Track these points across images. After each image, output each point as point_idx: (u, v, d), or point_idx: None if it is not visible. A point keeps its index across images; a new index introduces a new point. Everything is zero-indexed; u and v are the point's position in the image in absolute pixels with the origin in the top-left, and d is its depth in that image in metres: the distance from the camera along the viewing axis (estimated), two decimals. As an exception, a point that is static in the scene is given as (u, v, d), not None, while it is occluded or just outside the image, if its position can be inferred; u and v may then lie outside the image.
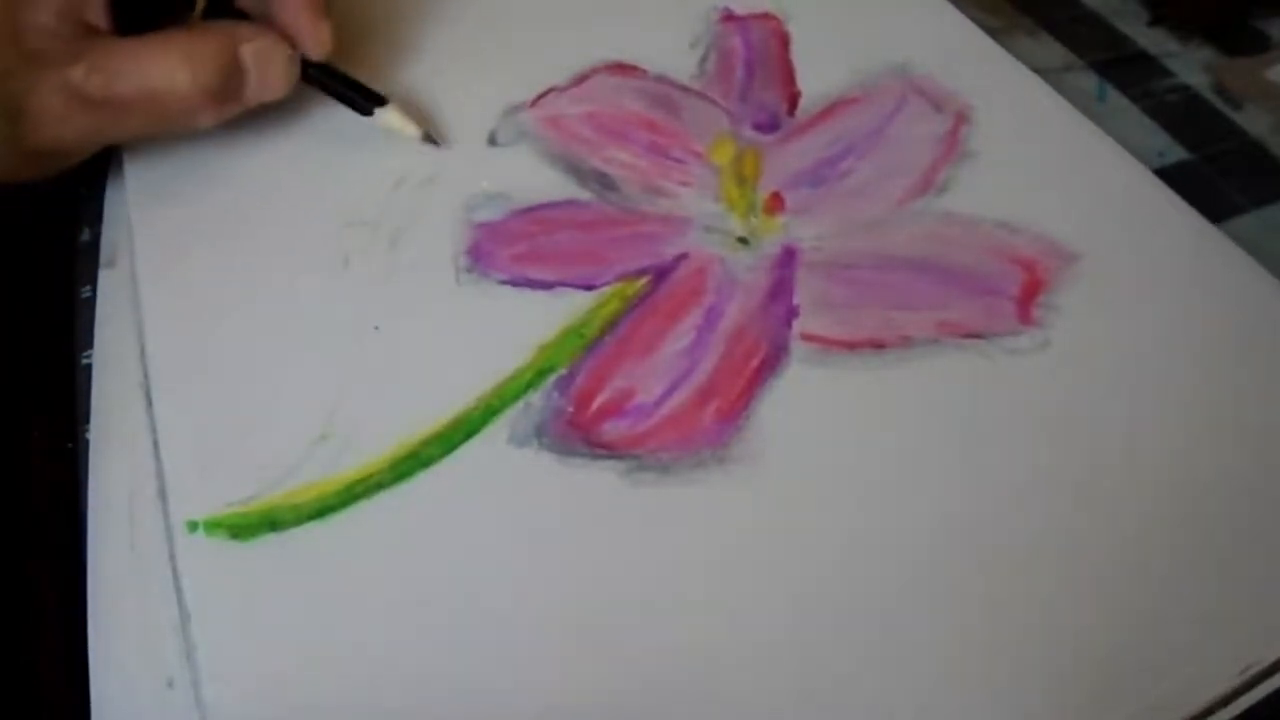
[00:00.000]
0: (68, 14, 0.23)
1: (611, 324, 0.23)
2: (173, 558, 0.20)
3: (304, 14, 0.25)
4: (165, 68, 0.23)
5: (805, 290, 0.24)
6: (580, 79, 0.29)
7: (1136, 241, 0.25)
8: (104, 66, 0.23)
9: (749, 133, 0.28)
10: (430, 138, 0.27)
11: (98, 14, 0.24)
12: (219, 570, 0.20)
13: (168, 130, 0.25)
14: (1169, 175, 0.27)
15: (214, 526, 0.20)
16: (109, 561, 0.20)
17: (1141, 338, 0.23)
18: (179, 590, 0.20)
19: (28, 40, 0.22)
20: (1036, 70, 0.30)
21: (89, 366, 0.24)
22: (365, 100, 0.27)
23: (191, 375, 0.23)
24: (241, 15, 0.26)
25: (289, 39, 0.25)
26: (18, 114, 0.22)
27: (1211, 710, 0.19)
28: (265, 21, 0.26)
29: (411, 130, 0.26)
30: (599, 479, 0.21)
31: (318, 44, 0.26)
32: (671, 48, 0.30)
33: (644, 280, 0.24)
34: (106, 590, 0.20)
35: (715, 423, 0.22)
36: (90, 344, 0.24)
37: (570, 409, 0.22)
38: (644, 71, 0.29)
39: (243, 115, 0.26)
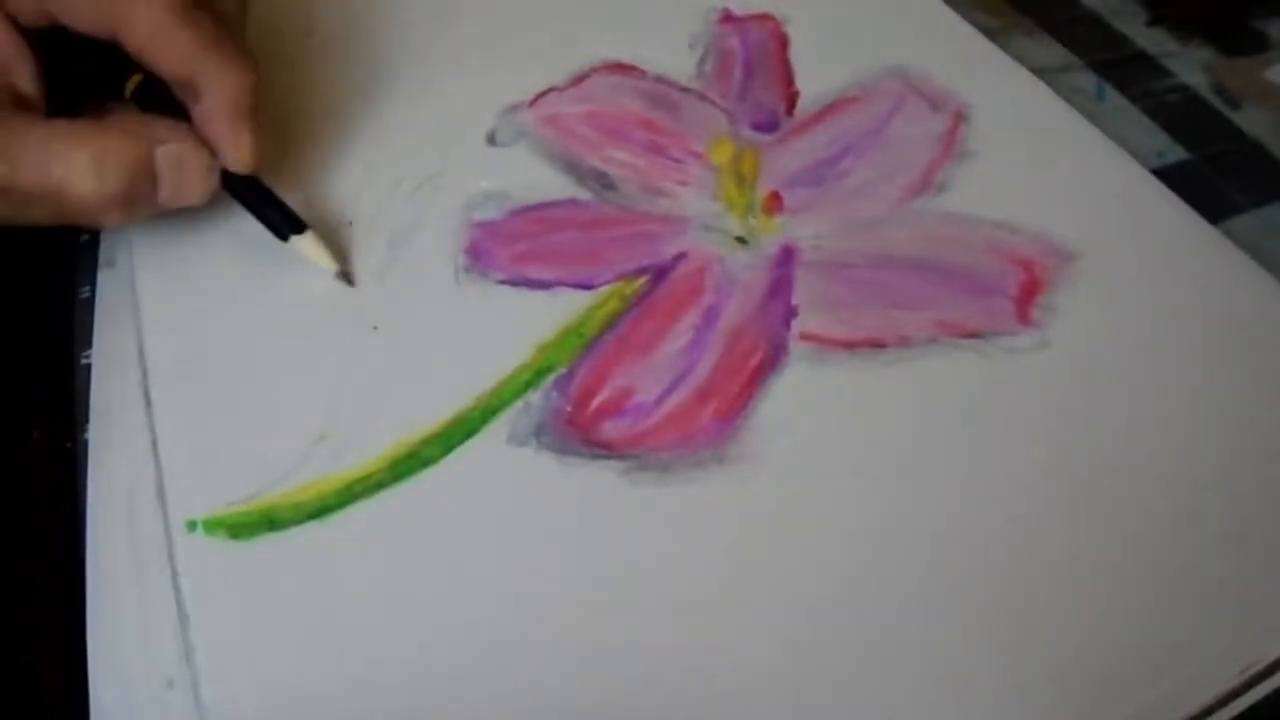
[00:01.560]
0: None
1: (610, 323, 0.23)
2: (172, 557, 0.20)
3: (223, 123, 0.23)
4: (72, 166, 0.21)
5: (804, 290, 0.24)
6: (579, 79, 0.29)
7: (1135, 241, 0.25)
8: (11, 153, 0.21)
9: (748, 133, 0.28)
10: (345, 276, 0.24)
11: (28, 82, 0.22)
12: (218, 570, 0.20)
13: (70, 223, 0.23)
14: (1168, 175, 0.27)
15: (213, 526, 0.20)
16: (108, 561, 0.20)
17: (1140, 337, 0.23)
18: (178, 590, 0.20)
19: None
20: (1035, 70, 0.30)
21: (88, 367, 0.24)
22: (283, 225, 0.24)
23: (190, 375, 0.23)
24: (174, 103, 0.24)
25: (210, 146, 0.23)
26: None
27: (1211, 709, 0.19)
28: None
29: (326, 264, 0.24)
30: (598, 478, 0.21)
31: (236, 157, 0.23)
32: (670, 48, 0.30)
33: (643, 280, 0.24)
34: (106, 590, 0.20)
35: (714, 422, 0.22)
36: (89, 344, 0.24)
37: (569, 408, 0.22)
38: (643, 71, 0.29)
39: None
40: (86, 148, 0.22)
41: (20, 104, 0.22)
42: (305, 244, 0.24)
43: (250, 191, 0.24)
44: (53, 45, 0.23)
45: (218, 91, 0.23)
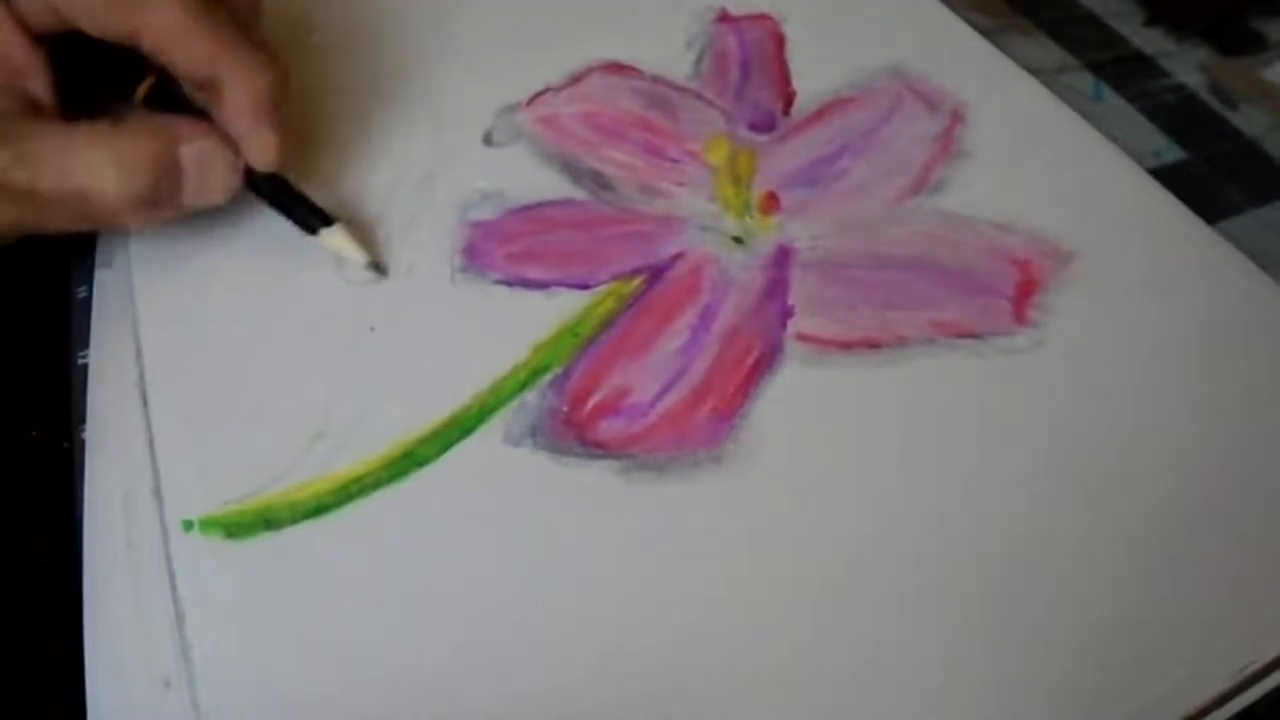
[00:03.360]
0: (6, 87, 0.22)
1: (607, 323, 0.23)
2: (169, 557, 0.20)
3: (247, 120, 0.23)
4: (94, 169, 0.21)
5: (800, 290, 0.24)
6: (576, 79, 0.29)
7: (1131, 241, 0.25)
8: (30, 159, 0.21)
9: (744, 132, 0.28)
10: (377, 267, 0.24)
11: (42, 88, 0.22)
12: (215, 569, 0.20)
13: (92, 227, 0.23)
14: (1165, 175, 0.27)
15: (209, 525, 0.20)
16: (105, 561, 0.20)
17: (1136, 337, 0.23)
18: (175, 589, 0.20)
19: None
20: (1032, 70, 0.30)
21: (85, 366, 0.24)
22: (311, 218, 0.24)
23: (187, 375, 0.23)
24: (187, 104, 0.23)
25: (233, 144, 0.23)
26: None
27: (1209, 709, 0.19)
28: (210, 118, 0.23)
29: (357, 256, 0.24)
30: (594, 478, 0.21)
31: (261, 153, 0.23)
32: (667, 48, 0.30)
33: (639, 279, 0.24)
34: (103, 589, 0.20)
35: (710, 422, 0.22)
36: (86, 344, 0.24)
37: (565, 408, 0.22)
38: (639, 71, 0.29)
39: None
40: (108, 148, 0.21)
41: (35, 111, 0.22)
42: (335, 237, 0.24)
43: (276, 188, 0.24)
44: (61, 51, 0.23)
45: (241, 89, 0.23)
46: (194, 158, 0.22)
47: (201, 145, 0.22)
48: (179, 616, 0.19)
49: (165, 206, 0.23)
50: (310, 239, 0.24)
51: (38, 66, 0.22)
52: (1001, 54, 0.30)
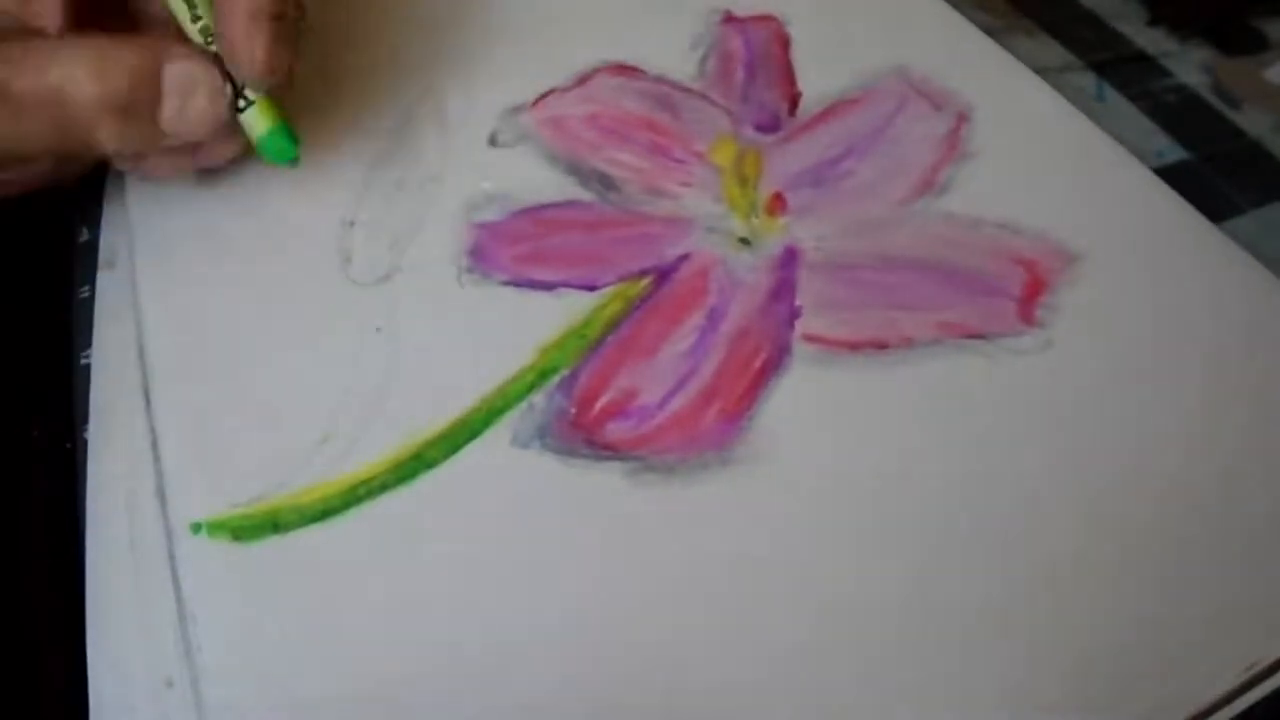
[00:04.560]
0: (10, 11, 0.21)
1: (614, 325, 0.23)
2: (172, 558, 0.20)
3: (240, 24, 0.21)
4: (71, 67, 0.20)
5: (807, 291, 0.24)
6: (581, 80, 0.29)
7: (1138, 241, 0.25)
8: (10, 57, 0.20)
9: (750, 133, 0.28)
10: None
11: (50, 11, 0.21)
12: (218, 571, 0.20)
13: (66, 144, 0.22)
14: (1167, 175, 0.27)
15: (216, 528, 0.20)
16: (108, 561, 0.20)
17: (1143, 338, 0.23)
18: (178, 590, 0.20)
19: None
20: (1035, 70, 0.30)
21: (88, 367, 0.23)
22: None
23: (191, 376, 0.23)
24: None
25: (226, 73, 0.22)
26: None
27: (1215, 709, 0.19)
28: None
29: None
30: (602, 480, 0.21)
31: (250, 64, 0.22)
32: (672, 49, 0.30)
33: (646, 281, 0.24)
34: (105, 590, 0.20)
35: (718, 424, 0.22)
36: (89, 344, 0.24)
37: (573, 410, 0.22)
38: (645, 73, 0.29)
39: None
40: (89, 49, 0.21)
41: (38, 32, 0.21)
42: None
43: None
44: None
45: None
46: (178, 77, 0.22)
47: (186, 66, 0.22)
48: (183, 618, 0.19)
49: (142, 123, 0.22)
50: (310, 240, 0.24)
51: None
52: (1007, 53, 0.30)
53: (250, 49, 0.22)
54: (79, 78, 0.20)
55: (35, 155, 0.22)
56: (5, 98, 0.20)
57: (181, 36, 0.23)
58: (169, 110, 0.22)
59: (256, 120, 0.23)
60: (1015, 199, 0.26)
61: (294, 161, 0.24)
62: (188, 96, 0.22)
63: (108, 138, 0.22)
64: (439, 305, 0.24)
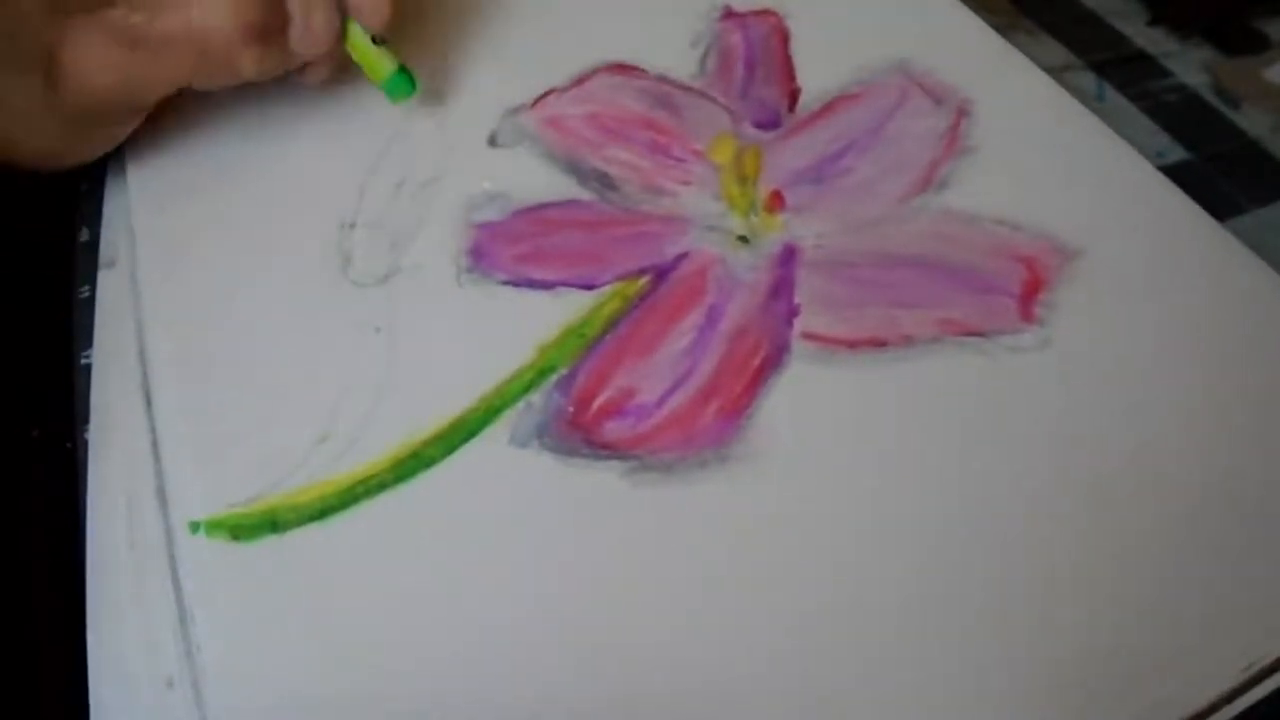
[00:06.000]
0: None
1: (612, 324, 0.23)
2: (172, 558, 0.20)
3: None
4: (209, 3, 0.22)
5: (806, 289, 0.24)
6: (581, 80, 0.29)
7: (1139, 238, 0.25)
8: (143, 3, 0.21)
9: (749, 130, 0.28)
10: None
11: None
12: (219, 570, 0.20)
13: (209, 76, 0.23)
14: (1168, 175, 0.27)
15: (215, 527, 0.20)
16: (108, 561, 0.20)
17: (1144, 335, 0.23)
18: (179, 590, 0.20)
19: None
20: (1036, 70, 0.30)
21: (88, 366, 0.23)
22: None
23: (191, 376, 0.23)
24: None
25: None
26: (53, 68, 0.21)
27: (1215, 708, 0.19)
28: None
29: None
30: (600, 479, 0.21)
31: (373, 11, 0.24)
32: (672, 47, 0.30)
33: (645, 280, 0.24)
34: (105, 590, 0.20)
35: (717, 422, 0.22)
36: (89, 344, 0.24)
37: (571, 409, 0.22)
38: (644, 71, 0.29)
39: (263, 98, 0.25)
40: None
41: None
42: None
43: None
44: None
45: None
46: (297, 1, 0.23)
47: None
48: (184, 618, 0.19)
49: (275, 46, 0.23)
50: (310, 242, 0.24)
51: None
52: (1008, 46, 0.30)
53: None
54: (219, 13, 0.22)
55: (167, 93, 0.23)
56: (145, 40, 0.21)
57: None
58: (297, 30, 0.23)
59: (384, 61, 0.26)
60: (1015, 195, 0.26)
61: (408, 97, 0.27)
62: (309, 15, 0.24)
63: (247, 66, 0.23)
64: (438, 305, 0.24)
